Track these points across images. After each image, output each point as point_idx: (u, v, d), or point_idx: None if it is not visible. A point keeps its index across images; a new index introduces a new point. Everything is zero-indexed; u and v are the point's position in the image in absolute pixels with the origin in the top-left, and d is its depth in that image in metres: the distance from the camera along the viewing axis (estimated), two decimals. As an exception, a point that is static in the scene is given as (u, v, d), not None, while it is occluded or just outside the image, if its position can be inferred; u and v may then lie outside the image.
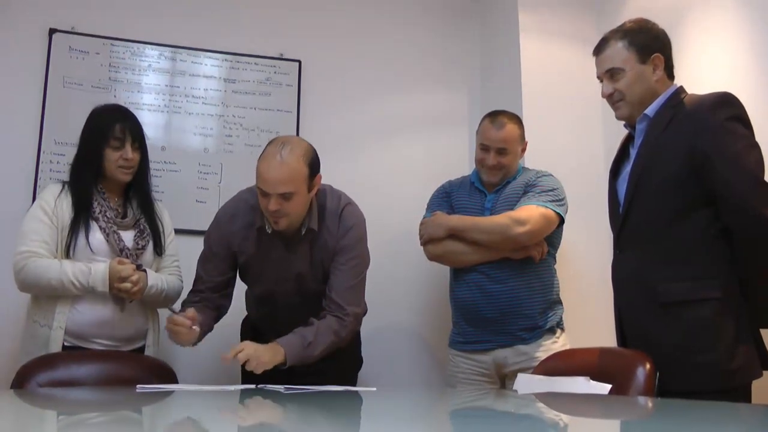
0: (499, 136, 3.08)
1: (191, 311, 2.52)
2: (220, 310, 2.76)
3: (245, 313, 3.05)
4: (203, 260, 2.74)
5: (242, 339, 3.08)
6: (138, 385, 2.21)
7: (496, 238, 2.97)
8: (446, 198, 3.25)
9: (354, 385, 2.88)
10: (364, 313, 3.03)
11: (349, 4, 4.05)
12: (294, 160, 2.49)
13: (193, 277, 2.80)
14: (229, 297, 2.77)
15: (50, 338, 2.61)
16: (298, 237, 2.64)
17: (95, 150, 2.72)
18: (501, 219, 2.99)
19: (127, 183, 2.82)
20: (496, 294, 3.01)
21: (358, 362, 3.06)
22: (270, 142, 2.58)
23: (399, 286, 3.76)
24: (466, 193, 3.21)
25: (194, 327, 2.48)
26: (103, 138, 2.71)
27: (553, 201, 3.00)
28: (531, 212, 2.96)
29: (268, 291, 2.80)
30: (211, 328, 2.71)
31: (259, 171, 2.51)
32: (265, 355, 2.43)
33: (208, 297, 2.71)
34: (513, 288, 3.01)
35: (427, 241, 3.14)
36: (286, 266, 2.68)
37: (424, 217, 3.23)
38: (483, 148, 3.12)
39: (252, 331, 2.99)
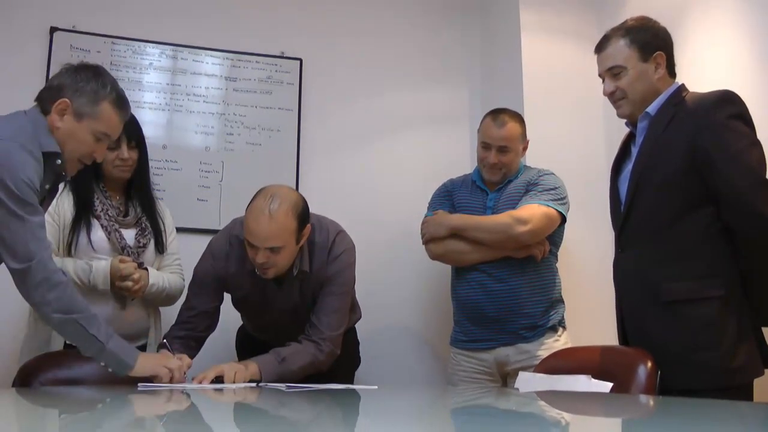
0: (501, 134, 3.08)
1: (188, 360, 2.45)
2: (205, 334, 2.72)
3: (239, 320, 3.06)
4: (195, 289, 2.71)
5: (237, 346, 3.10)
6: (139, 384, 2.21)
7: (498, 237, 2.97)
8: (448, 197, 3.25)
9: (351, 384, 2.89)
10: (357, 319, 3.03)
11: (350, 2, 4.04)
12: (282, 215, 2.45)
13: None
14: (215, 322, 2.75)
15: (52, 336, 2.61)
16: (290, 277, 2.65)
17: None
18: (503, 218, 2.99)
19: (128, 181, 2.82)
20: (498, 292, 3.01)
21: (356, 362, 3.07)
22: (258, 193, 2.54)
23: (400, 284, 3.76)
24: (468, 192, 3.21)
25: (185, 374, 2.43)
26: None
27: (554, 200, 3.00)
28: (533, 211, 2.96)
29: (264, 323, 2.84)
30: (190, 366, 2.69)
31: (248, 225, 2.48)
32: (240, 367, 2.42)
33: (196, 325, 2.67)
34: (515, 287, 3.01)
35: (428, 240, 3.14)
36: (281, 303, 2.70)
37: (425, 216, 3.23)
38: (484, 146, 3.12)
39: (248, 338, 3.00)
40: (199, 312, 2.68)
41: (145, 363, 2.29)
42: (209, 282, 2.68)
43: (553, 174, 3.12)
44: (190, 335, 2.66)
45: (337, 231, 2.73)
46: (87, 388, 2.35)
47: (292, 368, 2.52)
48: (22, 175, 2.07)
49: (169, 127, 3.63)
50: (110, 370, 2.25)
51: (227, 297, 2.80)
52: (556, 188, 3.04)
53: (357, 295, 2.98)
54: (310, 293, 2.68)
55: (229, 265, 2.66)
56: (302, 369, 2.55)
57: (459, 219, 3.08)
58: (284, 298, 2.69)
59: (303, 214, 2.53)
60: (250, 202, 2.52)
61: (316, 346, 2.60)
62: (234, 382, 2.34)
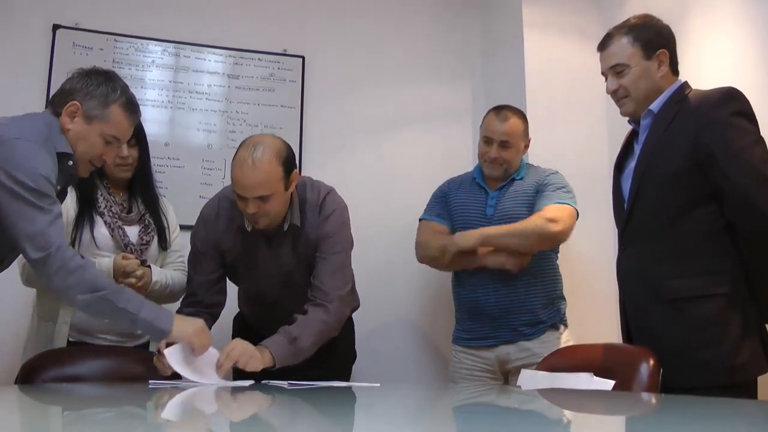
0: (502, 129, 3.08)
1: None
2: (215, 310, 2.71)
3: (237, 309, 3.04)
4: (193, 261, 2.70)
5: (234, 335, 3.07)
6: (150, 381, 2.21)
7: (532, 240, 2.95)
8: (443, 200, 3.27)
9: (348, 379, 2.88)
10: (356, 308, 3.00)
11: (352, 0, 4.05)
12: (266, 163, 2.44)
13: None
14: (223, 293, 2.73)
15: (55, 333, 2.61)
16: (280, 233, 2.62)
17: None
18: (533, 221, 2.96)
19: (130, 178, 2.82)
20: (499, 289, 3.01)
21: (352, 356, 3.03)
22: (242, 144, 2.52)
23: (403, 281, 3.75)
24: (466, 191, 3.21)
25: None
26: None
27: (570, 198, 3.03)
28: (559, 210, 2.96)
29: (257, 289, 2.78)
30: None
31: (234, 176, 2.47)
32: (255, 353, 2.39)
33: (202, 298, 2.66)
34: (516, 283, 3.00)
35: (455, 253, 3.07)
36: (272, 263, 2.66)
37: (421, 220, 3.26)
38: (486, 140, 3.12)
39: (245, 327, 2.98)
40: (201, 281, 2.66)
41: (181, 329, 2.31)
42: (205, 249, 2.66)
43: (559, 173, 3.13)
44: (199, 310, 2.62)
45: (327, 190, 2.70)
46: (91, 384, 2.35)
47: (305, 345, 2.47)
48: (41, 170, 2.11)
49: (172, 125, 3.63)
50: (148, 337, 2.25)
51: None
52: (567, 186, 3.07)
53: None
54: (303, 254, 2.64)
55: (218, 224, 2.65)
56: (314, 343, 2.51)
57: (487, 229, 3.03)
58: (275, 257, 2.64)
59: (288, 160, 2.51)
60: (234, 154, 2.51)
61: (324, 309, 2.55)
62: (246, 368, 2.33)
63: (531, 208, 3.03)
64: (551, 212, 2.95)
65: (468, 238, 3.02)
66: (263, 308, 2.81)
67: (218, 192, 2.77)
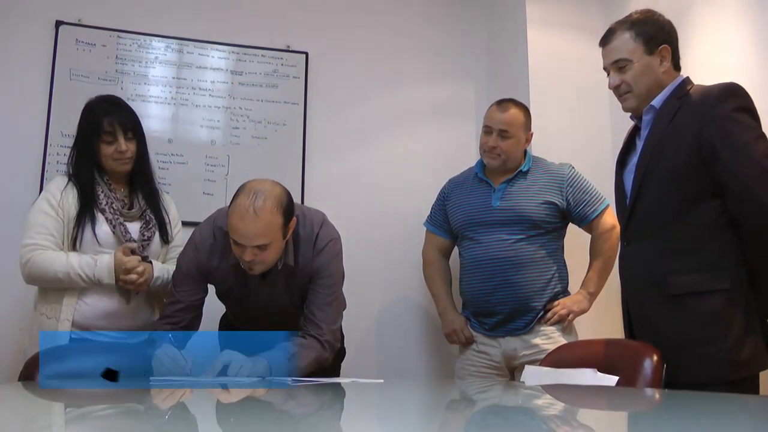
0: (502, 118, 3.09)
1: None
2: (192, 329, 2.68)
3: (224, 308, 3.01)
4: (178, 281, 2.66)
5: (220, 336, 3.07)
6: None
7: (616, 252, 2.96)
8: (443, 206, 3.32)
9: (338, 375, 2.88)
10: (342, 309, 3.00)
11: (355, -5, 4.04)
12: (268, 212, 2.39)
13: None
14: (199, 317, 2.70)
15: (57, 330, 2.61)
16: (275, 270, 2.59)
17: (90, 144, 2.72)
18: (607, 237, 3.08)
19: (131, 173, 2.82)
20: (505, 286, 3.01)
21: (341, 353, 3.01)
22: (241, 190, 2.46)
23: (409, 277, 3.74)
24: (469, 188, 3.21)
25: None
26: (95, 133, 2.71)
27: (597, 191, 3.14)
28: (609, 215, 3.07)
29: (246, 315, 2.80)
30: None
31: (233, 224, 2.41)
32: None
33: (180, 319, 2.62)
34: (522, 279, 3.01)
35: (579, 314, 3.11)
36: (265, 297, 2.65)
37: (425, 224, 3.35)
38: (486, 130, 3.14)
39: (231, 328, 2.97)
40: (185, 305, 2.62)
41: None
42: (193, 274, 2.63)
43: (572, 166, 3.16)
44: (175, 330, 2.59)
45: (320, 223, 2.67)
46: (93, 381, 2.35)
47: (301, 365, 2.47)
48: None
49: (175, 121, 3.63)
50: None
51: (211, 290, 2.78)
52: (586, 179, 3.15)
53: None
54: (296, 287, 2.64)
55: (213, 257, 2.61)
56: (309, 366, 2.51)
57: (594, 281, 3.11)
58: (269, 292, 2.64)
59: (288, 208, 2.48)
60: (233, 199, 2.45)
61: (319, 342, 2.55)
62: (237, 376, 2.30)
63: (541, 201, 3.06)
64: (608, 221, 3.08)
65: (584, 303, 3.08)
66: (252, 325, 2.80)
67: (212, 216, 2.70)
